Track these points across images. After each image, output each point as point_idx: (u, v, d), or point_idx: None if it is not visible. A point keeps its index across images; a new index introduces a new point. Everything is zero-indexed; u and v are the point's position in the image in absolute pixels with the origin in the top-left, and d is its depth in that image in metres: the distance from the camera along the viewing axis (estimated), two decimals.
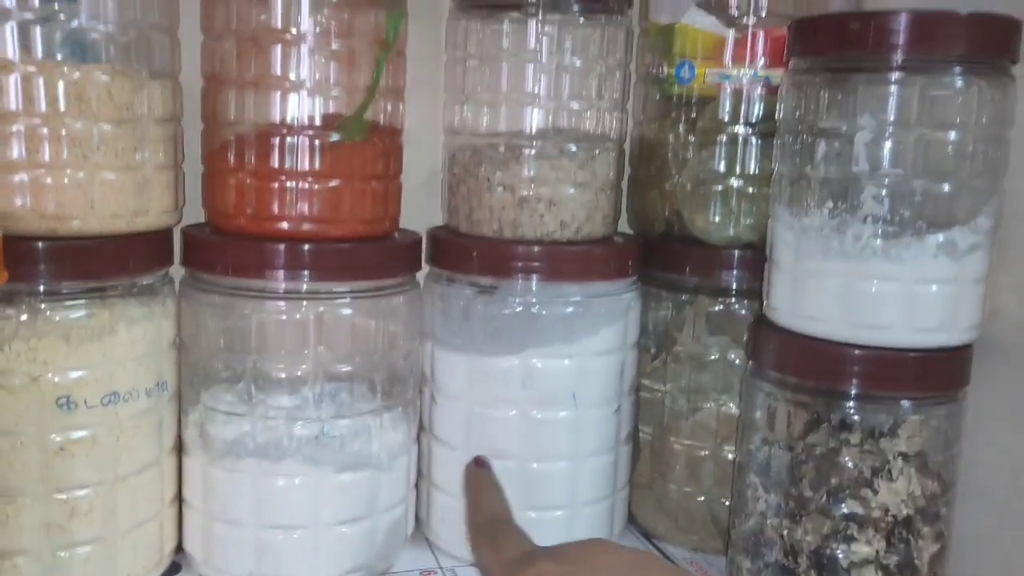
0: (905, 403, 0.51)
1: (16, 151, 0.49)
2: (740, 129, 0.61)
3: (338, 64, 0.55)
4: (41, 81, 0.48)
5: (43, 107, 0.49)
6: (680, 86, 0.63)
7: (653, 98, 0.66)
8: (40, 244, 0.49)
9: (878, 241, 0.50)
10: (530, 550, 0.42)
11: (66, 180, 0.49)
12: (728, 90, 0.61)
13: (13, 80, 0.48)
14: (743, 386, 0.58)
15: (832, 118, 0.51)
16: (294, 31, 0.54)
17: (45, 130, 0.49)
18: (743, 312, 0.62)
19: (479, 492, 0.49)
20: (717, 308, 0.63)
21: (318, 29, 0.54)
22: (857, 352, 0.50)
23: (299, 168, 0.55)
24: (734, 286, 0.62)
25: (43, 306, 0.49)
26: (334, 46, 0.55)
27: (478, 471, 0.51)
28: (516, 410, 0.59)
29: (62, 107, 0.49)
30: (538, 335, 0.58)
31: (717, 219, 0.62)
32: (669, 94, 0.64)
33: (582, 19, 0.60)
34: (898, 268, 0.49)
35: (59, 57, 0.49)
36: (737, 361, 0.62)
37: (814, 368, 0.51)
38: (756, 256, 0.59)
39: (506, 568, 0.42)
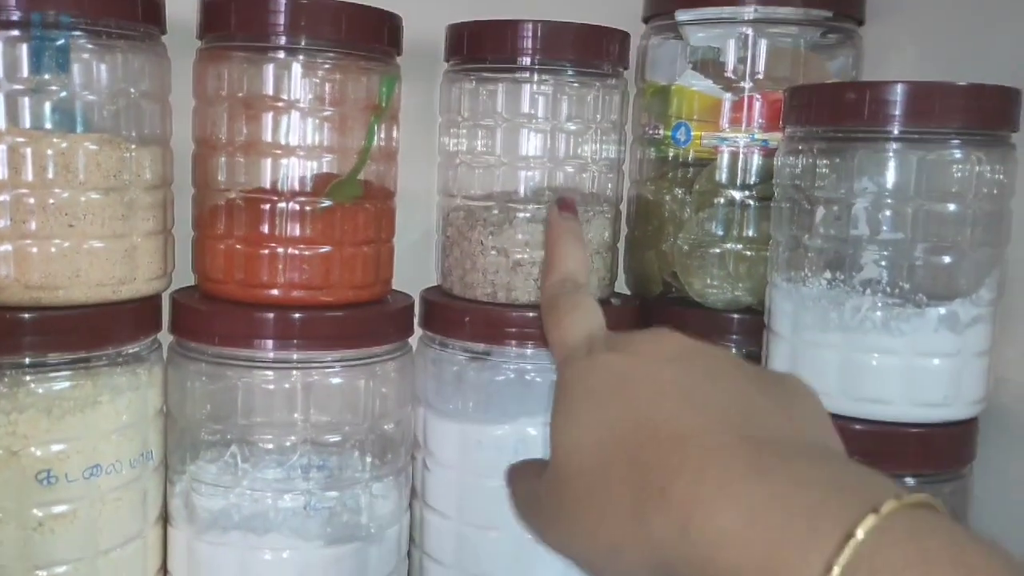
0: (908, 480, 0.49)
1: (1, 221, 0.48)
2: (737, 192, 0.60)
3: (329, 129, 0.55)
4: (29, 151, 0.48)
5: (29, 176, 0.48)
6: (676, 148, 0.62)
7: (649, 159, 0.65)
8: (22, 315, 0.48)
9: (878, 313, 0.49)
10: (592, 333, 0.38)
11: (52, 249, 0.49)
12: (725, 153, 0.60)
13: (1, 150, 0.48)
14: None
15: (829, 186, 0.50)
16: (285, 97, 0.53)
17: (31, 200, 0.48)
18: None
19: (556, 245, 0.43)
20: None
21: (310, 95, 0.54)
22: (858, 427, 0.49)
23: (288, 234, 0.54)
24: (732, 351, 0.61)
25: (25, 378, 0.48)
26: (325, 112, 0.54)
27: (561, 218, 0.45)
28: None
29: (49, 176, 0.48)
30: (532, 403, 0.57)
31: (715, 282, 0.61)
32: (665, 155, 0.63)
33: (576, 83, 0.60)
34: (899, 341, 0.48)
35: (47, 126, 0.49)
36: None
37: None
38: (755, 320, 0.58)
39: (564, 351, 0.38)
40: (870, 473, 0.31)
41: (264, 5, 0.52)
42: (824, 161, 0.51)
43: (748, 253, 0.60)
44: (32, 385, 0.48)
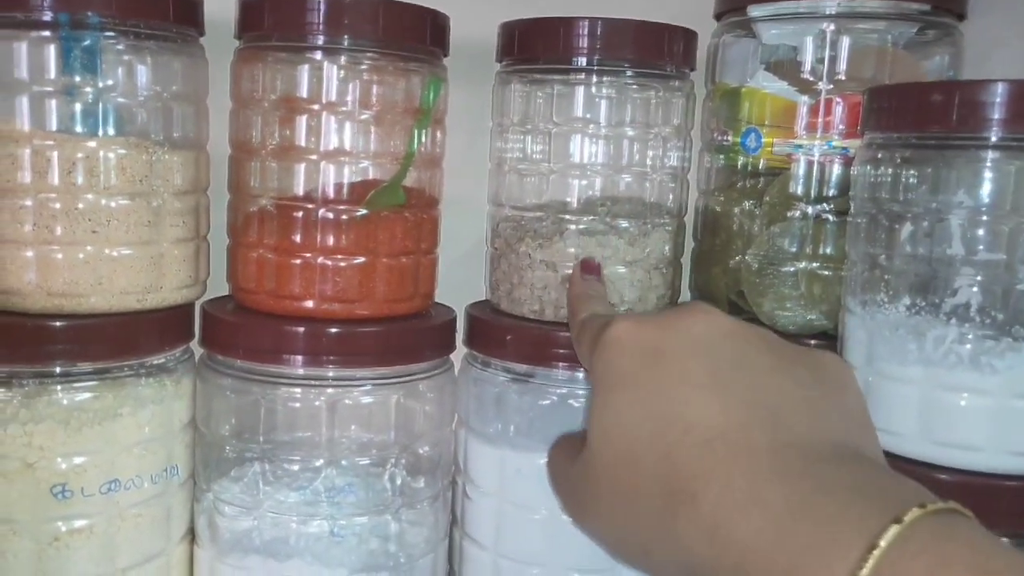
0: (1001, 540, 0.43)
1: (25, 226, 0.47)
2: (813, 205, 0.54)
3: (368, 134, 0.51)
4: (55, 155, 0.47)
5: (53, 180, 0.47)
6: (746, 155, 0.57)
7: (717, 167, 0.60)
8: (43, 323, 0.47)
9: (967, 346, 0.42)
10: (614, 314, 0.39)
11: (75, 256, 0.47)
12: (800, 161, 0.55)
13: (25, 154, 0.47)
14: None
15: (915, 200, 0.44)
16: (321, 99, 0.50)
17: (55, 204, 0.47)
18: None
19: (578, 300, 0.45)
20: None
21: (348, 97, 0.51)
22: (941, 476, 0.43)
23: (321, 243, 0.51)
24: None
25: (43, 388, 0.47)
26: (364, 115, 0.51)
27: (583, 280, 0.47)
28: (549, 513, 0.53)
29: (72, 180, 0.47)
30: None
31: (786, 304, 0.55)
32: (734, 163, 0.58)
33: (636, 85, 0.55)
34: (991, 380, 0.42)
35: (75, 129, 0.47)
36: None
37: None
38: (831, 347, 0.52)
39: (589, 340, 0.39)
40: (896, 478, 0.31)
41: (301, 3, 0.50)
42: (909, 171, 0.44)
43: (824, 273, 0.54)
44: (50, 395, 0.47)
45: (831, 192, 0.54)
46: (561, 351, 0.52)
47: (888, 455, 0.44)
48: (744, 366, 0.35)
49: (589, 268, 0.49)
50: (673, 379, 0.34)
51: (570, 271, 0.54)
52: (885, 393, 0.45)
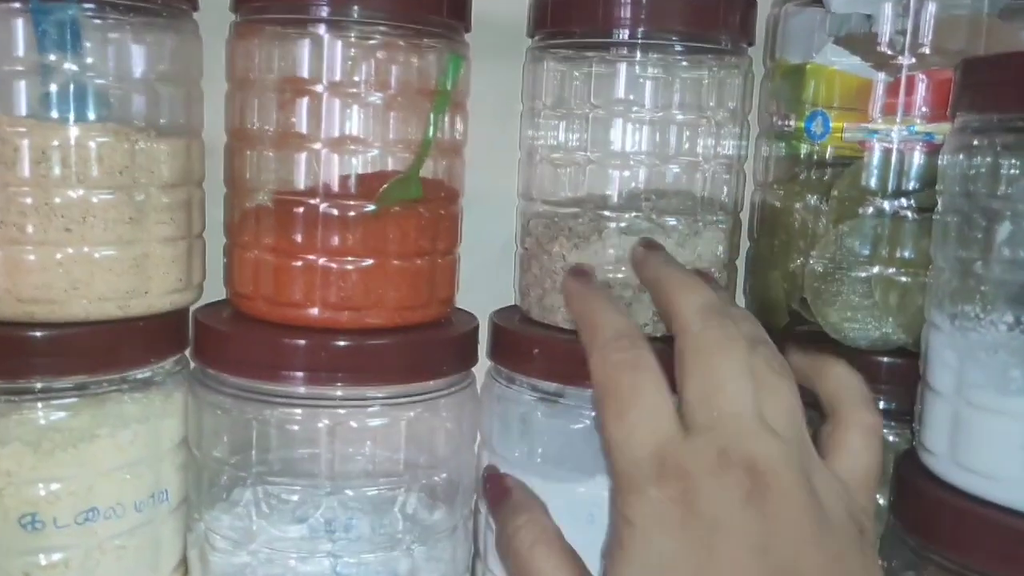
0: None
1: None
2: (890, 200, 0.47)
3: (378, 119, 0.45)
4: (24, 143, 0.41)
5: (24, 172, 0.42)
6: (811, 142, 0.49)
7: (778, 156, 0.52)
8: (10, 333, 0.42)
9: None
10: (662, 439, 0.34)
11: (47, 257, 0.42)
12: (875, 149, 0.47)
13: None
14: (883, 544, 0.43)
15: (1015, 195, 0.37)
16: (323, 80, 0.44)
17: (27, 199, 0.42)
18: (890, 439, 0.47)
19: (586, 304, 0.40)
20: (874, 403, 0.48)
21: (355, 78, 0.45)
22: None
23: (325, 244, 0.45)
24: (879, 404, 0.47)
25: (10, 406, 0.42)
26: (373, 98, 0.45)
27: (580, 283, 0.42)
28: (581, 548, 0.47)
29: (45, 172, 0.42)
30: None
31: (856, 314, 0.48)
32: (797, 152, 0.50)
33: (686, 61, 0.48)
34: None
35: (45, 115, 0.42)
36: (880, 501, 0.48)
37: (983, 549, 0.37)
38: (910, 365, 0.44)
39: (626, 467, 0.34)
40: None
41: None
42: (1011, 160, 0.37)
43: (902, 279, 0.47)
44: (20, 414, 0.42)
45: (912, 185, 0.47)
46: None
47: (985, 504, 0.37)
48: (782, 556, 0.32)
49: (580, 272, 0.44)
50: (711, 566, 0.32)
51: (611, 275, 0.47)
52: (980, 428, 0.37)
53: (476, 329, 0.50)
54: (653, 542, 0.33)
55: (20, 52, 0.42)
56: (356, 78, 0.45)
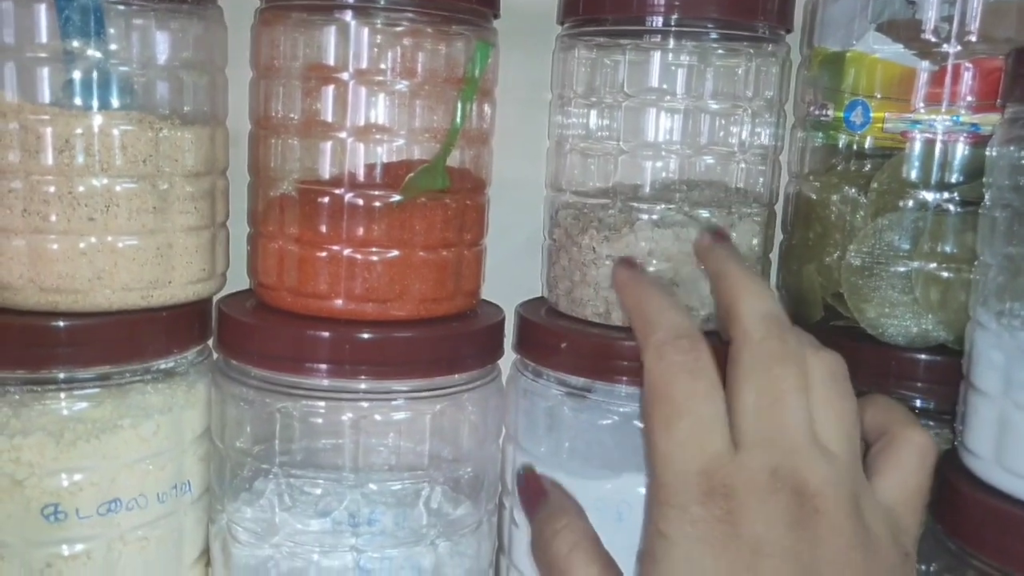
0: None
1: (14, 212, 0.41)
2: (932, 192, 0.45)
3: (405, 108, 0.44)
4: (48, 132, 0.41)
5: (47, 160, 0.41)
6: (850, 133, 0.48)
7: (814, 147, 0.51)
8: (33, 322, 0.42)
9: None
10: (711, 458, 0.33)
11: (70, 246, 0.42)
12: (917, 140, 0.46)
13: (12, 129, 0.41)
14: (923, 547, 0.42)
15: None
16: (349, 67, 0.43)
17: (50, 188, 0.41)
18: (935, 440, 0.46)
19: (641, 298, 0.38)
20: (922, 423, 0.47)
21: (382, 65, 0.44)
22: None
23: (350, 234, 0.44)
24: (917, 404, 0.46)
25: (33, 396, 0.42)
26: (400, 86, 0.44)
27: (630, 274, 0.40)
28: (608, 545, 0.46)
29: (68, 161, 0.41)
30: (642, 456, 0.45)
31: (895, 310, 0.46)
32: (835, 143, 0.49)
33: (722, 50, 0.47)
34: None
35: (69, 103, 0.41)
36: None
37: None
38: (951, 364, 0.43)
39: (671, 483, 0.33)
40: None
41: None
42: None
43: (944, 275, 0.45)
44: (42, 404, 0.42)
45: (956, 177, 0.45)
46: (625, 363, 0.45)
47: None
48: None
49: (630, 263, 0.42)
50: None
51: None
52: None
53: (502, 322, 0.49)
54: (693, 560, 0.31)
55: (43, 39, 0.41)
56: (382, 66, 0.44)
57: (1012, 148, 0.37)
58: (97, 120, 0.41)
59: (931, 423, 0.46)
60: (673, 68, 0.47)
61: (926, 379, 0.45)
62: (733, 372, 0.35)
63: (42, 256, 0.42)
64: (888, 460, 0.36)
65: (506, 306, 0.51)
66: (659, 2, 0.45)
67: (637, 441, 0.44)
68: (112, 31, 0.42)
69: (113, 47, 0.42)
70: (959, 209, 0.45)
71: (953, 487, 0.38)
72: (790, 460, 0.32)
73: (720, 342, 0.44)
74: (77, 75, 0.41)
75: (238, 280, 0.50)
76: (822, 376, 0.35)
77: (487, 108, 0.48)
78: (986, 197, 0.40)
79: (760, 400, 0.33)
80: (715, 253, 0.41)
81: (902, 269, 0.46)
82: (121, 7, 0.42)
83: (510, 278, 0.53)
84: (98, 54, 0.41)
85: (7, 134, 0.41)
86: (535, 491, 0.41)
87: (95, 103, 0.42)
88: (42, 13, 0.41)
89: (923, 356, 0.46)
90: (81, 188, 0.41)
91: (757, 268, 0.49)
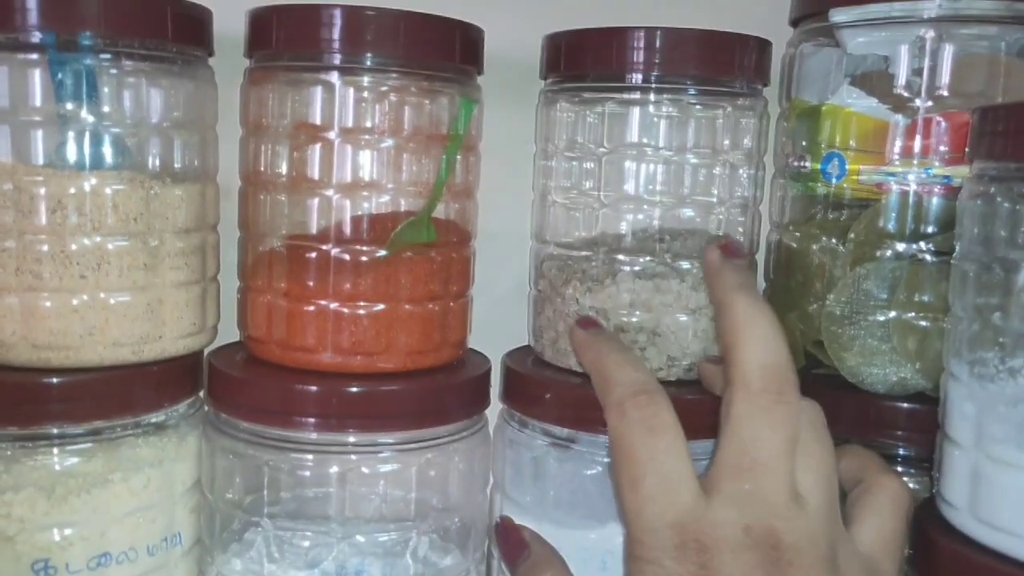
0: None
1: (7, 270, 0.42)
2: (907, 243, 0.46)
3: (390, 165, 0.45)
4: (41, 192, 0.42)
5: (40, 220, 0.42)
6: (827, 184, 0.49)
7: (793, 197, 0.52)
8: (24, 379, 0.42)
9: None
10: (681, 512, 0.33)
11: (62, 303, 0.43)
12: (892, 192, 0.47)
13: (7, 190, 0.42)
14: None
15: None
16: (334, 124, 0.45)
17: (44, 247, 0.42)
18: (911, 487, 0.46)
19: (599, 357, 0.39)
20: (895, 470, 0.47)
21: (367, 123, 0.45)
22: None
23: (337, 289, 0.45)
24: (899, 451, 0.47)
25: (24, 452, 0.42)
26: (385, 144, 0.45)
27: (589, 334, 0.41)
28: None
29: (60, 220, 0.42)
30: None
31: (874, 358, 0.47)
32: (813, 193, 0.50)
33: (700, 104, 0.48)
34: None
35: (61, 163, 0.42)
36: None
37: None
38: (929, 412, 0.44)
39: (642, 538, 0.33)
40: None
41: (314, 16, 0.44)
42: None
43: (921, 324, 0.46)
44: (34, 460, 0.42)
45: (930, 228, 0.46)
46: None
47: (1005, 560, 0.36)
48: None
49: (589, 323, 0.43)
50: None
51: (624, 319, 0.47)
52: (1000, 484, 0.36)
53: (488, 373, 0.50)
54: None
55: (37, 102, 0.42)
56: (368, 124, 0.45)
57: (979, 202, 0.38)
58: (90, 180, 0.42)
59: (911, 471, 0.47)
60: (653, 120, 0.48)
61: (906, 427, 0.46)
62: (723, 419, 0.36)
63: (35, 313, 0.42)
64: (864, 507, 0.37)
65: (493, 352, 0.52)
66: (638, 60, 0.46)
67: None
68: (105, 90, 0.43)
69: (106, 108, 0.43)
70: (934, 259, 0.46)
71: (929, 537, 0.39)
72: (765, 517, 0.33)
73: (701, 391, 0.45)
74: (70, 137, 0.43)
75: (229, 330, 0.51)
76: (808, 422, 0.36)
77: (472, 161, 0.49)
78: (956, 250, 0.41)
79: (742, 459, 0.34)
80: (722, 279, 0.40)
81: (880, 318, 0.47)
82: (113, 70, 0.43)
83: (496, 325, 0.53)
84: (91, 116, 0.43)
85: (1, 195, 0.42)
86: (515, 543, 0.42)
87: (88, 164, 0.43)
88: (36, 77, 0.42)
89: (903, 404, 0.47)
90: (74, 247, 0.42)
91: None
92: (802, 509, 0.33)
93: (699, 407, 0.42)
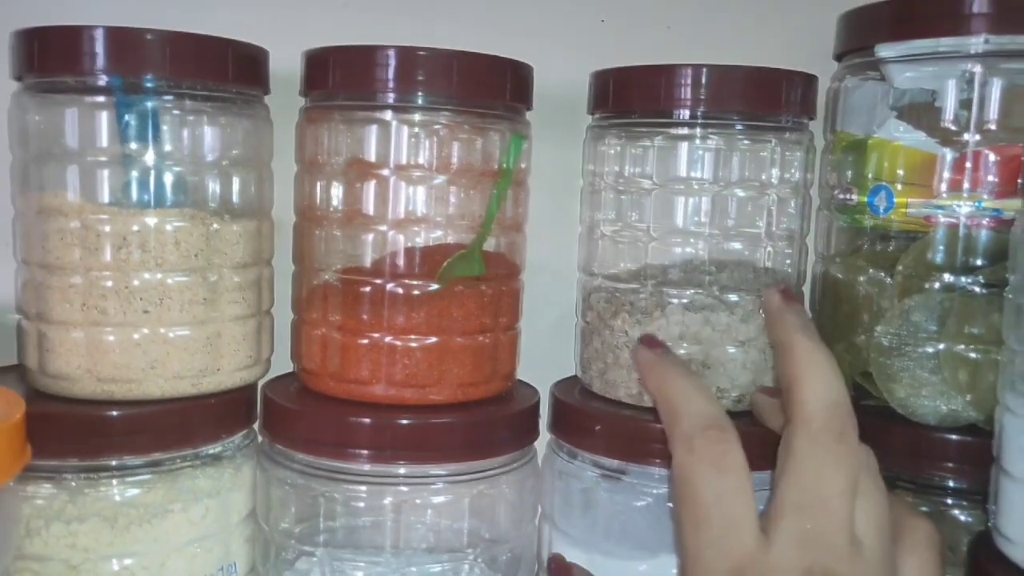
0: None
1: (74, 305, 0.43)
2: (957, 276, 0.46)
3: (442, 200, 0.46)
4: (106, 229, 0.43)
5: (105, 257, 0.43)
6: (874, 217, 0.49)
7: (840, 229, 0.52)
8: (88, 412, 0.43)
9: None
10: (743, 560, 0.32)
11: (126, 338, 0.44)
12: (940, 225, 0.47)
13: (75, 228, 0.43)
14: None
15: None
16: (391, 163, 0.46)
17: (108, 283, 0.43)
18: (963, 519, 0.46)
19: (665, 384, 0.38)
20: (923, 511, 0.47)
21: (420, 160, 0.46)
22: None
23: (390, 322, 0.46)
24: (949, 483, 0.46)
25: (89, 483, 0.43)
26: (437, 180, 0.46)
27: (655, 355, 0.40)
28: None
29: (125, 257, 0.43)
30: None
31: (923, 390, 0.47)
32: (859, 226, 0.50)
33: (747, 139, 0.48)
34: None
35: (126, 202, 0.44)
36: None
37: None
38: (982, 444, 0.43)
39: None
40: None
41: (370, 57, 0.45)
42: None
43: (972, 356, 0.46)
44: (97, 491, 0.43)
45: (979, 261, 0.46)
46: (659, 446, 0.45)
47: None
48: None
49: (653, 343, 0.43)
50: None
51: (674, 350, 0.47)
52: None
53: (537, 404, 0.50)
54: None
55: (104, 143, 0.44)
56: (421, 161, 0.46)
57: None
58: (152, 218, 0.44)
59: (963, 503, 0.46)
60: (700, 154, 0.49)
61: (957, 459, 0.46)
62: (784, 457, 0.35)
63: (99, 347, 0.44)
64: (903, 549, 0.37)
65: (540, 382, 0.53)
66: (686, 97, 0.47)
67: (671, 523, 0.45)
68: (167, 130, 0.44)
69: (167, 148, 0.44)
70: (984, 291, 0.46)
71: (986, 571, 0.39)
72: (825, 560, 0.33)
73: (752, 422, 0.46)
74: (135, 176, 0.44)
75: (282, 361, 0.52)
76: (867, 465, 0.36)
77: (521, 196, 0.50)
78: (1010, 282, 0.41)
79: (803, 498, 0.34)
80: (784, 321, 0.41)
81: (930, 350, 0.47)
82: (176, 110, 0.44)
83: (544, 356, 0.54)
84: (154, 155, 0.44)
85: (69, 233, 0.43)
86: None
87: (151, 202, 0.44)
88: (103, 119, 0.43)
89: (954, 436, 0.46)
90: (137, 282, 0.43)
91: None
92: (860, 552, 0.33)
93: (750, 439, 0.42)
